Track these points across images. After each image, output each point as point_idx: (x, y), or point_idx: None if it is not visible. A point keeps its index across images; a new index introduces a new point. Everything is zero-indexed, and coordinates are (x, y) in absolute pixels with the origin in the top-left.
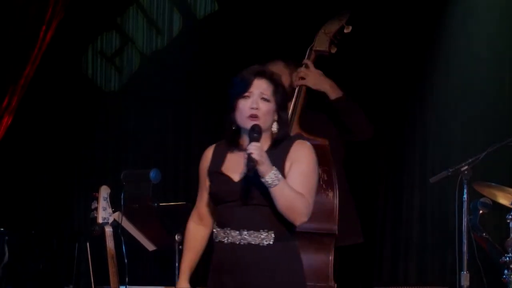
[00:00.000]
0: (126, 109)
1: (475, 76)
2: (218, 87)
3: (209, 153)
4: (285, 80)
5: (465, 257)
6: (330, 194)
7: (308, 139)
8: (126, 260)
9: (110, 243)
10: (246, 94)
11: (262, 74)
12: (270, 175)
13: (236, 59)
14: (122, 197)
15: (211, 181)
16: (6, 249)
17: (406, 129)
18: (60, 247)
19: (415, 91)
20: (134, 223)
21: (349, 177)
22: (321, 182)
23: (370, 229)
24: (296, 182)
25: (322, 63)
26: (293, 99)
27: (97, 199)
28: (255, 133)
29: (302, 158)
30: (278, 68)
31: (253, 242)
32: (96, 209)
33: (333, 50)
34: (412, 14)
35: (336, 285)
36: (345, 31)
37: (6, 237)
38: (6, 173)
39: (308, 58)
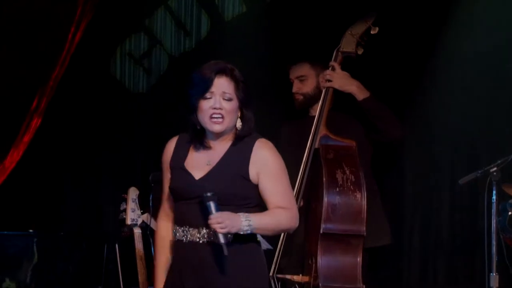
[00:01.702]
0: (154, 111)
1: (505, 76)
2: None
3: (171, 146)
4: (312, 81)
5: (494, 259)
6: (358, 196)
7: (335, 141)
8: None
9: (138, 244)
10: (208, 94)
11: (223, 72)
12: (242, 227)
13: (264, 60)
14: (150, 198)
15: (172, 175)
16: (35, 250)
17: (435, 129)
18: (89, 248)
19: (443, 92)
20: None
21: (377, 178)
22: (349, 184)
23: (399, 230)
24: (273, 194)
25: (349, 64)
26: (320, 101)
27: (126, 200)
28: (209, 205)
29: (267, 162)
30: (305, 70)
31: (215, 241)
32: (125, 210)
33: (360, 52)
34: (434, 14)
35: (364, 286)
36: (372, 32)
37: (35, 239)
38: (36, 174)
39: (335, 59)
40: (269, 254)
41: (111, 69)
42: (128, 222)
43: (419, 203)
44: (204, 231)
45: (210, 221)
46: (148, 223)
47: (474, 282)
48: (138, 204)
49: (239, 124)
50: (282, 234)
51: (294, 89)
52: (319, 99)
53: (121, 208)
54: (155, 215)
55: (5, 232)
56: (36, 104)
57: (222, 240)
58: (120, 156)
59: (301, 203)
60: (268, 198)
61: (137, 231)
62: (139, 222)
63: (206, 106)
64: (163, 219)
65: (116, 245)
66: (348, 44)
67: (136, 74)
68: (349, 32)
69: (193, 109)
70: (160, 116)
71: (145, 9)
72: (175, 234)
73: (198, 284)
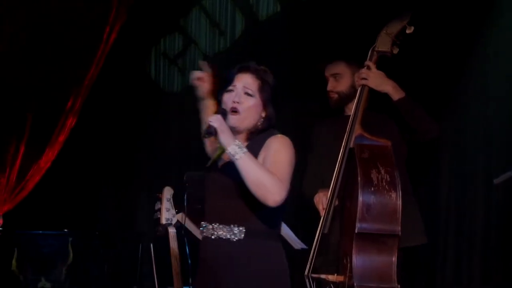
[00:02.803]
0: (189, 110)
1: None
2: (280, 88)
3: None
4: (347, 80)
5: None
6: (393, 195)
7: (371, 140)
8: (189, 261)
9: (173, 244)
10: (230, 87)
11: (246, 69)
12: (232, 146)
13: (298, 59)
14: (185, 198)
15: None
16: (70, 250)
17: (469, 127)
18: (124, 248)
19: (479, 91)
20: (197, 224)
21: (412, 178)
22: (384, 183)
23: (433, 230)
24: (267, 165)
25: (385, 64)
26: (355, 100)
27: (160, 200)
28: (209, 132)
29: (272, 149)
30: (340, 68)
31: (223, 237)
32: (159, 210)
33: (395, 51)
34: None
35: (399, 286)
36: (407, 31)
37: (70, 238)
38: (71, 174)
39: (370, 59)
40: (304, 253)
41: (146, 69)
42: (163, 221)
43: (454, 203)
44: (216, 226)
45: (211, 117)
46: (183, 223)
47: (509, 282)
48: (172, 204)
49: (260, 124)
50: (317, 234)
51: (329, 87)
52: (354, 98)
53: (156, 208)
54: (189, 215)
55: (40, 232)
56: (71, 104)
57: (208, 131)
58: (155, 156)
59: (336, 203)
60: None
61: (171, 230)
62: (174, 221)
63: (228, 99)
64: None
65: (151, 245)
66: (384, 43)
67: (171, 73)
68: (385, 31)
69: (220, 104)
70: (195, 116)
71: (180, 9)
72: (202, 231)
73: (211, 279)
